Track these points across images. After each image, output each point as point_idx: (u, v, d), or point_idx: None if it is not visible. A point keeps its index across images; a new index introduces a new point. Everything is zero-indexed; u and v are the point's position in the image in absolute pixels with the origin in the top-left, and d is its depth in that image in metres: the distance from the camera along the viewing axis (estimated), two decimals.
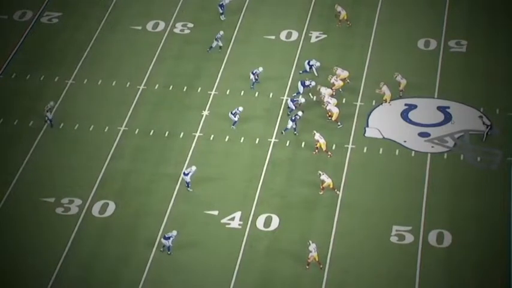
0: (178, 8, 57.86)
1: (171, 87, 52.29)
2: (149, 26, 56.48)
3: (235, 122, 48.99)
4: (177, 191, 46.08)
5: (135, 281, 41.87)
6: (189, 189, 45.75)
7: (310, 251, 41.94)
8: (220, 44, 53.41)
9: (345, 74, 51.32)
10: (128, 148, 48.53)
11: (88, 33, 55.66)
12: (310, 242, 42.20)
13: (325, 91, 49.99)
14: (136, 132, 49.47)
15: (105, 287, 41.75)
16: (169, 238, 42.57)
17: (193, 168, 45.78)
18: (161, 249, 42.84)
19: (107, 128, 49.62)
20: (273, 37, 55.60)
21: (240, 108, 49.00)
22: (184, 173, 45.73)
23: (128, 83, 52.43)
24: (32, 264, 42.54)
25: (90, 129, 49.56)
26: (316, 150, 47.70)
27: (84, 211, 45.05)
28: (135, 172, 47.04)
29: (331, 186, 45.52)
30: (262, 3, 58.13)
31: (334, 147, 48.44)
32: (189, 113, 50.50)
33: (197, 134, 49.30)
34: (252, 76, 51.48)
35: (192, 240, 43.61)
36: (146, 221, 44.67)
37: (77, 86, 52.16)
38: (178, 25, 56.53)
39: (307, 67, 51.81)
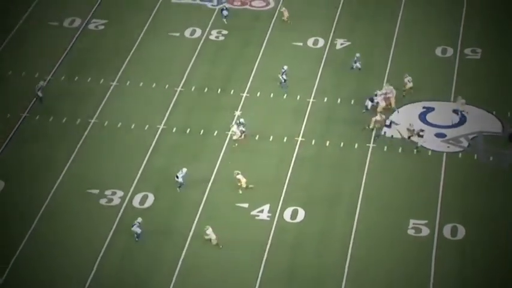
0: (213, 16, 57.92)
1: (206, 89, 52.33)
2: (187, 32, 56.53)
3: (243, 132, 48.11)
4: (211, 184, 46.06)
5: (172, 266, 41.87)
6: (179, 190, 45.25)
7: (208, 235, 41.93)
8: (359, 66, 52.46)
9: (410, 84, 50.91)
10: (166, 145, 48.59)
11: (131, 39, 55.81)
12: (207, 226, 42.22)
13: (381, 102, 49.52)
14: (174, 130, 49.52)
15: (145, 270, 41.80)
16: (134, 225, 42.59)
17: (184, 170, 45.28)
18: (136, 239, 42.69)
19: (147, 126, 49.73)
20: (301, 44, 55.51)
21: (239, 115, 48.60)
22: (176, 176, 45.24)
23: (167, 85, 52.51)
24: (78, 248, 42.64)
25: (132, 127, 49.68)
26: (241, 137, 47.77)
27: (125, 202, 45.13)
28: (173, 166, 46.94)
29: (243, 185, 45.08)
30: (293, 11, 57.94)
31: (356, 146, 48.30)
32: (222, 113, 50.45)
33: (230, 132, 49.26)
34: (280, 77, 51.37)
35: (224, 230, 43.50)
36: (182, 212, 44.68)
37: (120, 88, 52.32)
38: (214, 32, 56.60)
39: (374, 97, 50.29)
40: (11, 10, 57.45)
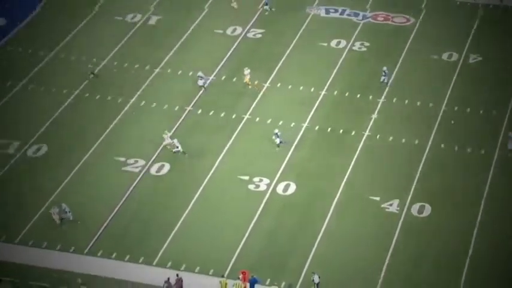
0: (358, 30, 57.56)
1: (347, 93, 52.20)
2: (333, 43, 56.56)
3: (280, 142, 47.68)
4: (347, 178, 45.91)
5: (306, 252, 41.91)
6: None
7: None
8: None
9: None
10: (309, 141, 48.75)
11: (284, 47, 56.24)
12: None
13: None
14: (316, 128, 49.66)
15: (284, 252, 41.95)
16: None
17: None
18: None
19: (293, 123, 49.94)
20: (436, 57, 54.44)
21: (276, 130, 47.94)
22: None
23: (313, 88, 52.64)
24: (228, 226, 43.18)
25: (280, 123, 49.84)
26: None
27: (270, 189, 45.58)
28: (313, 160, 47.27)
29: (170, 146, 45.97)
30: (430, 27, 57.13)
31: (483, 151, 47.06)
32: (360, 116, 50.18)
33: (366, 133, 48.95)
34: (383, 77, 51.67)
35: (356, 219, 43.43)
36: (319, 200, 44.74)
37: (271, 88, 52.81)
38: (357, 44, 56.29)
39: None
40: (182, 22, 59.00)
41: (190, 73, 53.94)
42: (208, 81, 52.46)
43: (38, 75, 53.97)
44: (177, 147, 47.26)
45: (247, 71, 52.05)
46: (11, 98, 52.10)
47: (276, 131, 47.86)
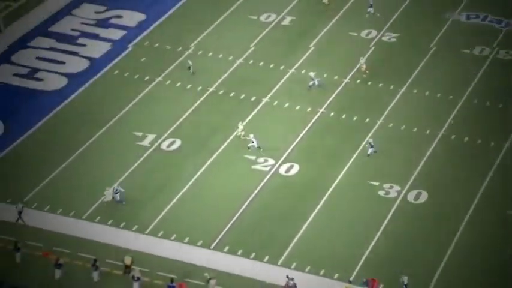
0: (500, 37, 55.51)
1: (488, 103, 50.23)
2: (476, 50, 54.61)
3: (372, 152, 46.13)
4: (483, 190, 43.98)
5: (439, 257, 40.62)
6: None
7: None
8: None
9: None
10: (444, 149, 46.94)
11: (422, 51, 54.72)
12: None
13: None
14: (453, 137, 47.81)
15: (413, 258, 40.83)
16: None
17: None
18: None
19: (428, 131, 48.37)
20: None
21: (370, 140, 46.45)
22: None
23: (451, 96, 50.78)
24: (352, 230, 42.24)
25: (414, 130, 48.47)
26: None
27: (401, 196, 44.22)
28: (448, 169, 45.61)
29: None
30: None
31: None
32: (501, 127, 48.18)
33: (506, 145, 46.92)
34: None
35: (490, 233, 41.68)
36: (452, 211, 43.09)
37: (407, 95, 51.31)
38: (502, 52, 54.28)
39: None
40: (315, 23, 58.46)
41: (325, 75, 53.20)
42: (315, 82, 51.38)
43: (174, 71, 54.80)
44: (252, 142, 46.71)
45: (362, 60, 52.17)
46: (148, 92, 53.09)
47: (370, 140, 46.48)
